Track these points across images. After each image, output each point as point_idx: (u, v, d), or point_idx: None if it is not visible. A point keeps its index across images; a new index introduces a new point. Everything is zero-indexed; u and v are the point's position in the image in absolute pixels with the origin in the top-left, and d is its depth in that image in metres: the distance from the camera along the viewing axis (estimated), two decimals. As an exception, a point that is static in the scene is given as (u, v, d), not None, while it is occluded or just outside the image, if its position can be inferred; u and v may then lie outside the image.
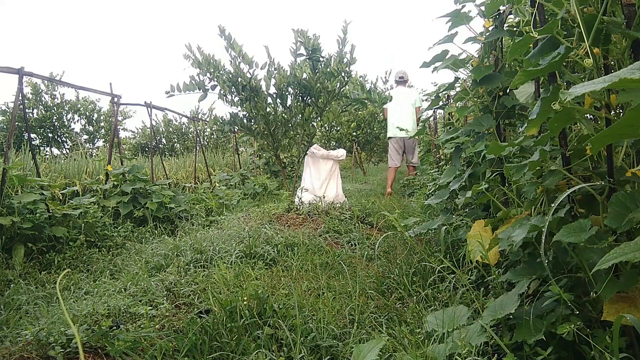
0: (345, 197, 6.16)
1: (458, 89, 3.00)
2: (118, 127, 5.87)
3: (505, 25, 2.37)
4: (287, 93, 4.81)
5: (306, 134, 5.14)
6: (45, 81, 12.71)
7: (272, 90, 4.73)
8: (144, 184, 5.09)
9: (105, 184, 5.04)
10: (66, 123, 13.85)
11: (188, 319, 2.11)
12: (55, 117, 13.43)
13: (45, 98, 13.25)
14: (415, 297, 2.30)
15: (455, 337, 1.57)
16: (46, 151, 12.86)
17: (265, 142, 5.13)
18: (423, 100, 7.11)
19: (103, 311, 2.17)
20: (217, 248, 3.35)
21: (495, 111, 2.48)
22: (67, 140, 13.87)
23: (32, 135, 12.70)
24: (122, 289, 2.66)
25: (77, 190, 5.39)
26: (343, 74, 4.67)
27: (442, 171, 4.68)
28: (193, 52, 4.49)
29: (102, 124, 14.73)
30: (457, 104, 3.28)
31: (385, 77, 9.36)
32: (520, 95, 2.01)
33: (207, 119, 10.95)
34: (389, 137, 7.20)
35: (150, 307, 2.27)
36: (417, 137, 6.99)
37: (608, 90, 1.29)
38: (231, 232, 3.87)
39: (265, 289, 2.41)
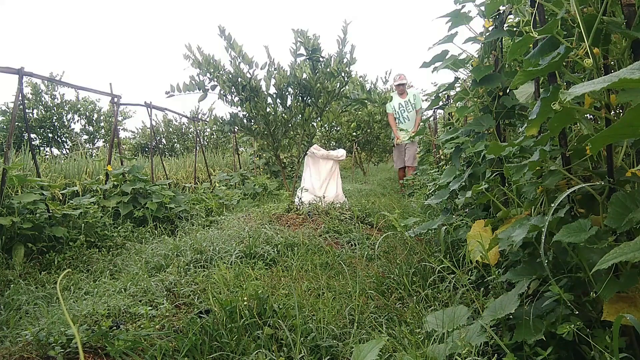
0: (345, 197, 6.16)
1: (458, 89, 3.00)
2: (118, 127, 5.87)
3: (505, 25, 2.37)
4: (287, 93, 4.81)
5: (306, 134, 5.14)
6: (45, 81, 12.71)
7: (272, 90, 4.73)
8: (144, 184, 5.09)
9: (105, 184, 5.04)
10: (66, 123, 13.84)
11: (188, 319, 2.11)
12: (55, 117, 13.42)
13: (45, 98, 13.24)
14: (415, 297, 2.29)
15: (455, 337, 1.57)
16: (46, 151, 12.85)
17: (265, 142, 5.13)
18: (423, 101, 7.51)
19: (103, 311, 2.17)
20: (217, 248, 3.35)
21: (495, 111, 2.48)
22: (67, 140, 13.86)
23: (32, 136, 12.69)
24: (122, 289, 2.66)
25: (77, 190, 5.39)
26: (343, 74, 4.67)
27: (442, 171, 4.68)
28: (193, 52, 4.49)
29: (102, 124, 14.71)
30: (457, 104, 3.28)
31: (385, 77, 9.40)
32: (520, 95, 2.01)
33: (207, 119, 10.96)
34: None
35: (150, 307, 2.27)
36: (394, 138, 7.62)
37: (608, 90, 1.29)
38: (231, 232, 3.87)
39: (265, 289, 2.41)
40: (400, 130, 7.31)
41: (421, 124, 7.30)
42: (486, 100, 2.54)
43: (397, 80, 7.27)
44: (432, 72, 2.53)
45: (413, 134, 6.60)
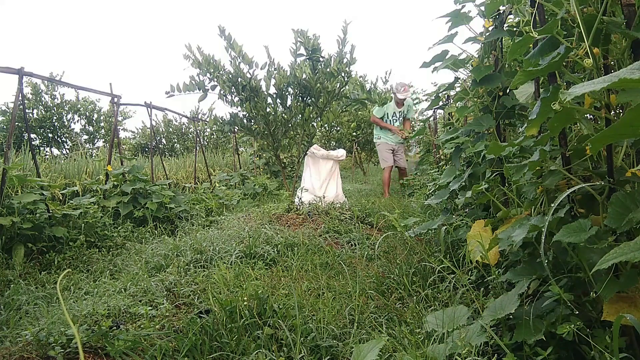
0: (345, 197, 6.17)
1: (458, 89, 3.00)
2: (118, 127, 5.87)
3: (505, 25, 2.37)
4: (287, 93, 4.81)
5: (306, 134, 5.14)
6: (45, 81, 12.70)
7: (272, 90, 4.73)
8: (144, 184, 5.09)
9: (105, 184, 5.04)
10: (66, 123, 13.82)
11: (188, 319, 2.11)
12: (55, 117, 13.41)
13: (45, 98, 13.22)
14: (415, 297, 2.29)
15: (455, 337, 1.57)
16: (46, 151, 12.85)
17: (265, 142, 5.13)
18: (422, 101, 7.50)
19: (103, 311, 2.17)
20: (217, 248, 3.35)
21: (495, 111, 2.48)
22: (67, 140, 13.86)
23: (32, 136, 12.68)
24: (122, 289, 2.66)
25: (77, 190, 5.39)
26: (343, 74, 4.67)
27: (442, 171, 4.68)
28: (193, 53, 4.49)
29: (102, 124, 14.70)
30: (457, 104, 3.28)
31: (385, 77, 9.40)
32: (520, 95, 2.01)
33: (207, 119, 10.95)
34: None
35: (150, 307, 2.27)
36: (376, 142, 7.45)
37: (608, 90, 1.29)
38: (231, 232, 3.87)
39: (265, 289, 2.41)
40: (391, 135, 7.11)
41: (421, 124, 7.28)
42: (486, 100, 2.54)
43: (400, 92, 6.83)
44: (432, 72, 2.53)
45: (411, 135, 6.58)
